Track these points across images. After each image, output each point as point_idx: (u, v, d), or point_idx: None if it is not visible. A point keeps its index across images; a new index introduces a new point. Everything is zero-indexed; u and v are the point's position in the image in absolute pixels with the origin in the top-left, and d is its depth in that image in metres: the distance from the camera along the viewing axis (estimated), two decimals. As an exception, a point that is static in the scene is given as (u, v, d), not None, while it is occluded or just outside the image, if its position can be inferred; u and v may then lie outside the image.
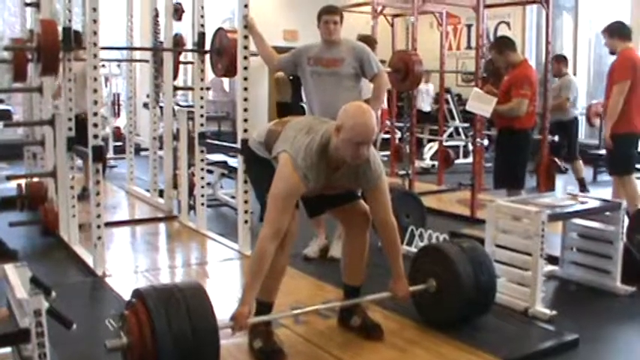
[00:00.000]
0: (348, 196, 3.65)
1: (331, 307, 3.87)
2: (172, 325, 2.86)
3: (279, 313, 3.57)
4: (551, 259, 4.67)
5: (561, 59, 8.55)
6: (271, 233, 3.20)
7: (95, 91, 4.79)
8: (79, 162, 6.25)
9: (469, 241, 4.09)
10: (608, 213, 4.64)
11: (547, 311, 4.05)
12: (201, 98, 6.20)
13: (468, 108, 6.34)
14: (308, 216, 3.92)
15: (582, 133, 12.22)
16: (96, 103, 4.80)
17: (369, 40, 5.93)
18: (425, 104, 12.12)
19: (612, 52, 5.96)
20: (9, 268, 2.43)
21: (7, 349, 2.50)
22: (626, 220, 4.77)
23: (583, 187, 8.06)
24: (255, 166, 3.74)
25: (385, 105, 9.76)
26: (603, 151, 6.90)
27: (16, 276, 2.37)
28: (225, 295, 4.30)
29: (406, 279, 3.69)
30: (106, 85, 11.98)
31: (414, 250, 5.21)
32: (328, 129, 3.30)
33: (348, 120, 3.19)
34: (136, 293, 3.04)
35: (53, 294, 2.57)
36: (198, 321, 2.92)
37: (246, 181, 5.20)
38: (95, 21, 4.74)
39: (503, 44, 6.09)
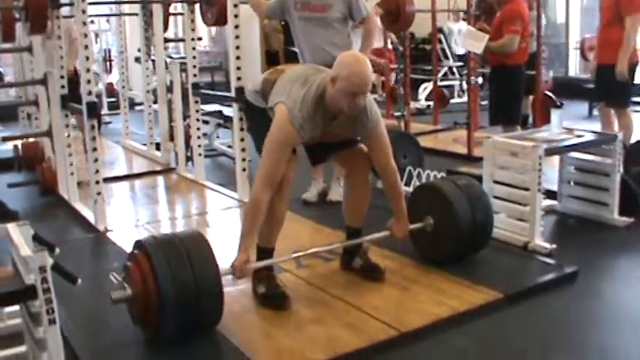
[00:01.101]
0: (347, 142, 3.66)
1: (331, 249, 3.92)
2: (174, 273, 2.91)
3: (279, 258, 3.60)
4: (549, 194, 4.69)
5: None
6: (265, 183, 3.23)
7: (86, 47, 4.76)
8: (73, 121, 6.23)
9: (465, 178, 4.11)
10: (604, 146, 4.65)
11: (546, 245, 4.09)
12: (193, 49, 6.16)
13: (460, 46, 6.33)
14: (311, 164, 3.94)
15: (576, 68, 12.21)
16: (88, 59, 4.77)
17: None
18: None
19: None
20: (11, 227, 2.44)
21: (16, 307, 2.53)
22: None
23: (525, 124, 7.33)
24: (252, 117, 3.75)
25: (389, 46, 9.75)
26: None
27: (19, 234, 2.38)
28: (227, 242, 4.31)
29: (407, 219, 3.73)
30: (96, 41, 11.88)
31: (412, 189, 5.24)
32: (324, 78, 3.28)
33: (343, 70, 3.17)
34: (138, 244, 3.08)
35: (57, 250, 2.58)
36: (199, 268, 2.96)
37: (242, 129, 5.21)
38: (82, -25, 4.69)
39: (495, -21, 6.05)
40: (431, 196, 3.88)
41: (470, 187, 3.88)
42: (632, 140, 5.64)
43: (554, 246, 4.07)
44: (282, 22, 9.09)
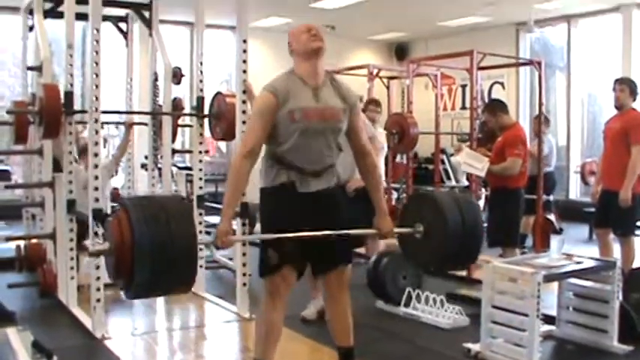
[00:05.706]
0: (340, 258, 3.66)
1: None
2: (149, 222, 2.96)
3: None
4: (548, 319, 4.69)
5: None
6: (246, 151, 3.43)
7: (95, 155, 4.86)
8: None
9: (460, 188, 4.12)
10: (603, 272, 4.68)
11: (545, 372, 4.06)
12: (200, 162, 6.22)
13: (462, 168, 6.42)
14: (312, 274, 3.94)
15: (577, 192, 12.33)
16: (96, 166, 4.85)
17: None
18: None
19: (618, 107, 5.96)
20: (11, 333, 2.46)
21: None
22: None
23: (522, 244, 7.48)
24: (261, 202, 3.78)
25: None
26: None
27: (19, 340, 2.40)
28: (225, 356, 4.30)
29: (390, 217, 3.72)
30: (104, 146, 12.05)
31: (410, 311, 5.25)
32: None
33: (291, 32, 3.60)
34: (120, 202, 3.17)
35: (55, 358, 2.59)
36: (176, 222, 3.01)
37: (244, 244, 5.23)
38: (97, 86, 4.82)
39: (496, 107, 6.23)
40: (424, 204, 3.80)
41: (463, 198, 3.84)
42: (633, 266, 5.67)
43: (552, 373, 4.05)
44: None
